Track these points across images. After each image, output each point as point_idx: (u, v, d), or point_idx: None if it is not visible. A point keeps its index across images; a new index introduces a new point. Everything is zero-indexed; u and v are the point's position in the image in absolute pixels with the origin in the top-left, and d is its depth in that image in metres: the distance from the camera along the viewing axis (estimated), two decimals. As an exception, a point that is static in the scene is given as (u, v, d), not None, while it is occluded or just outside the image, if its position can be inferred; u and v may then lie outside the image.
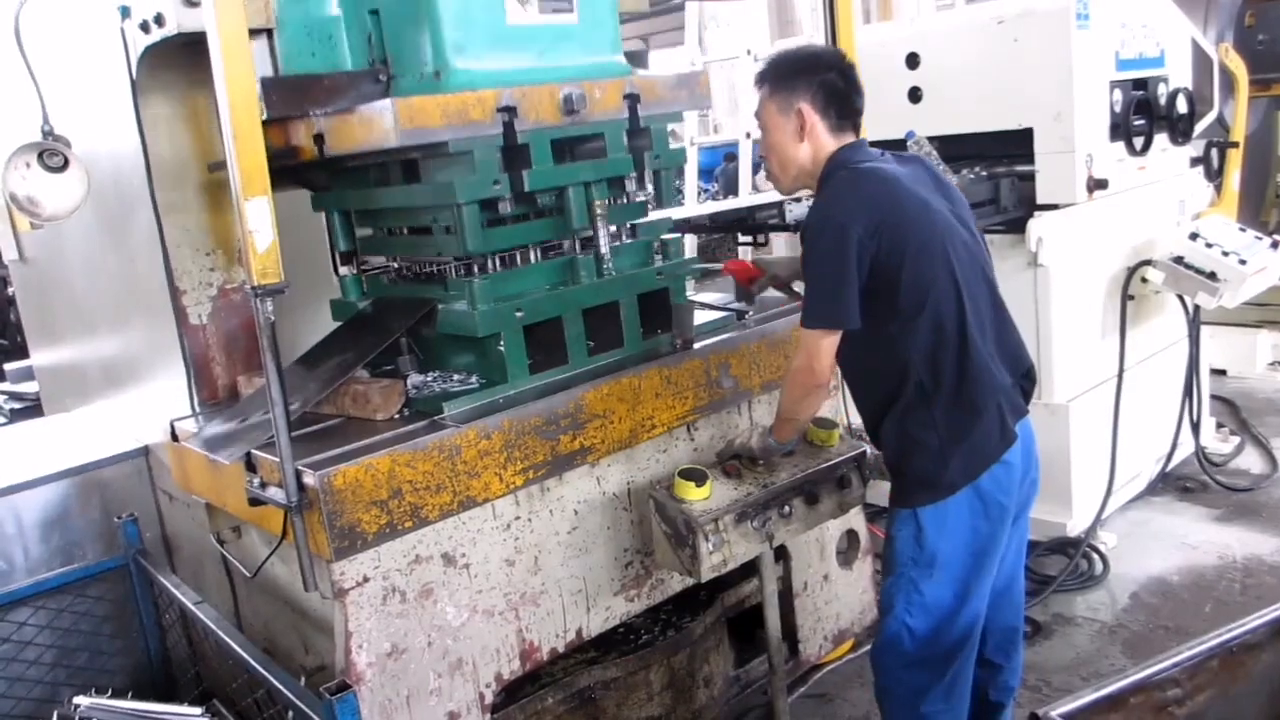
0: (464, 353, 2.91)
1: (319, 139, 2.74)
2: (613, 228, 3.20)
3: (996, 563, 2.63)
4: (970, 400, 2.49)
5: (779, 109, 2.65)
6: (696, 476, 2.68)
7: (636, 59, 3.31)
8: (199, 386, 3.08)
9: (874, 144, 2.73)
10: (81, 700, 2.68)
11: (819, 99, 2.60)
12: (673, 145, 3.17)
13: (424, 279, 2.99)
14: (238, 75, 2.23)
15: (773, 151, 2.71)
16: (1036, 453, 2.71)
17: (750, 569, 3.05)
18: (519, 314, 2.76)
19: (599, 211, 2.99)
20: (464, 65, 2.70)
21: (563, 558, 2.80)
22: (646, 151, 2.97)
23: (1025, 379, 2.68)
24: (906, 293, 2.45)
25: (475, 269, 2.89)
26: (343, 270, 3.13)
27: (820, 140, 2.62)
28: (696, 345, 3.05)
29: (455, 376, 2.86)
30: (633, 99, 2.90)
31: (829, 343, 2.49)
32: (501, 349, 2.75)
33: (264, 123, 2.33)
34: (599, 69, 2.93)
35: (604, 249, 2.96)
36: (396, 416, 2.69)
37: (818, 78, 2.61)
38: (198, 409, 3.07)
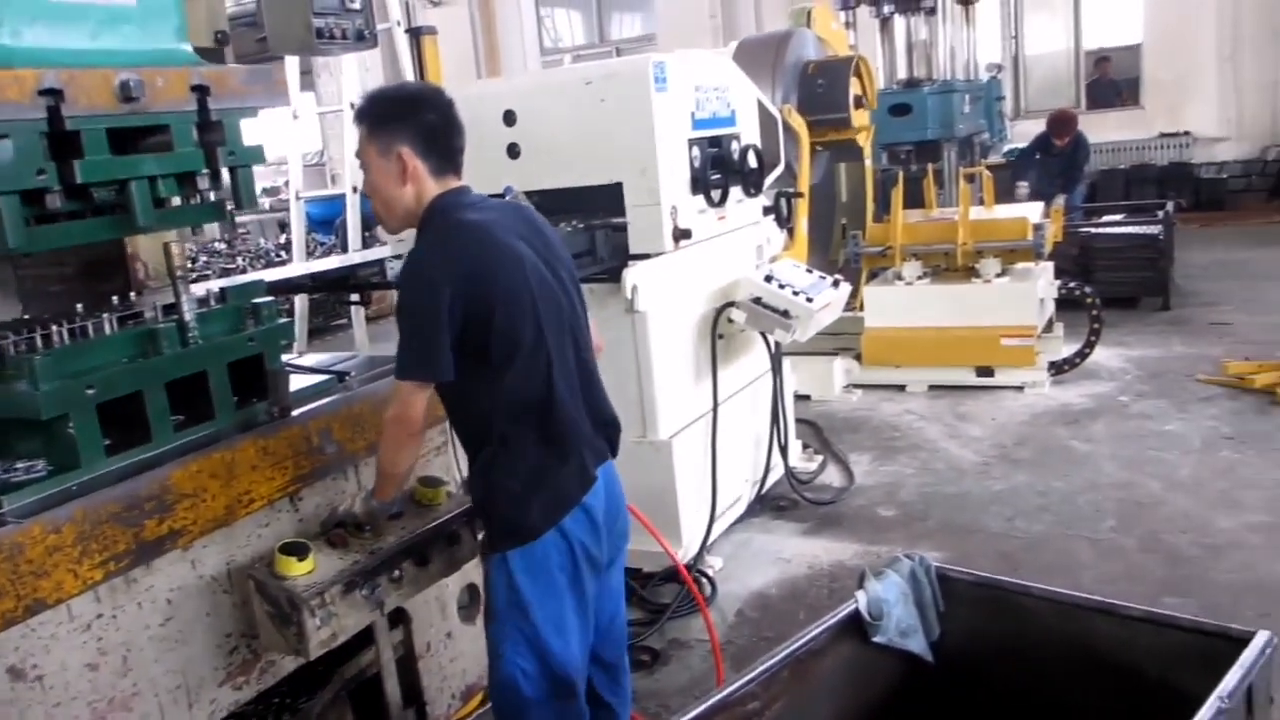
0: (29, 438, 2.61)
1: None
2: (200, 292, 3.04)
3: (592, 599, 2.74)
4: (553, 450, 2.60)
5: (379, 152, 2.64)
6: (298, 550, 2.58)
7: (212, 55, 3.15)
8: None
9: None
10: None
11: (419, 142, 2.61)
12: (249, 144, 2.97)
13: (-23, 358, 2.68)
14: None
15: (376, 192, 2.70)
16: (624, 500, 2.86)
17: (369, 636, 2.98)
18: (90, 391, 2.53)
19: (179, 274, 2.82)
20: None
21: (157, 653, 2.58)
22: (220, 147, 2.81)
23: (609, 427, 2.83)
24: (496, 345, 2.53)
25: (38, 343, 2.62)
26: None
27: (423, 183, 2.64)
28: (295, 412, 2.94)
29: (19, 465, 2.57)
30: (202, 90, 2.74)
31: (421, 395, 2.53)
32: (72, 431, 2.52)
33: None
34: (161, 55, 2.75)
35: (188, 316, 2.80)
36: (-53, 517, 2.38)
37: (416, 119, 2.62)
38: None
